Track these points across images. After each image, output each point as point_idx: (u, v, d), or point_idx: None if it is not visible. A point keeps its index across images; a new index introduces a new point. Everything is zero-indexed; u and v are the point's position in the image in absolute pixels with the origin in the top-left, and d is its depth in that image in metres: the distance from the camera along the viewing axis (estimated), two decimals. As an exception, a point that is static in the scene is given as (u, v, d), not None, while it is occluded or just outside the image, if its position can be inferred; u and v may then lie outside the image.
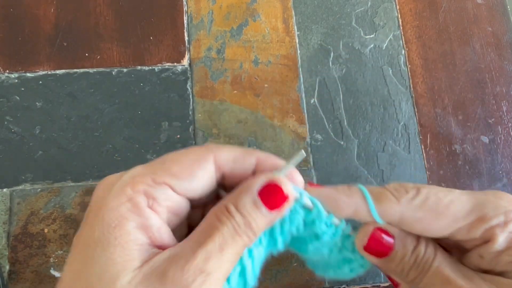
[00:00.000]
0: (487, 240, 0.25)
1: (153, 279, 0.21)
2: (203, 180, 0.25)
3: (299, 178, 0.27)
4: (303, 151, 0.26)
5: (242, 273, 0.25)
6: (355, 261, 0.28)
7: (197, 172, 0.24)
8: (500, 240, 0.24)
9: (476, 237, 0.25)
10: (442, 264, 0.26)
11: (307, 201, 0.26)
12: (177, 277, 0.21)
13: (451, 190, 0.26)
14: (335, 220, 0.27)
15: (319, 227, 0.26)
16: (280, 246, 0.27)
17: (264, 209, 0.24)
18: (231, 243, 0.23)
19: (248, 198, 0.24)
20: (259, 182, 0.24)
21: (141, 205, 0.22)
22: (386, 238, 0.26)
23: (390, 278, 0.30)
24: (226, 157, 0.25)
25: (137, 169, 0.24)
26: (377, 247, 0.26)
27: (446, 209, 0.25)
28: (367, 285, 0.39)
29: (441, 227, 0.25)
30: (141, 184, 0.23)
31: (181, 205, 0.25)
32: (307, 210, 0.26)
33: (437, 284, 0.26)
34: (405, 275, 0.26)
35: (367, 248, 0.26)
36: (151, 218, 0.23)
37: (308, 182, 0.27)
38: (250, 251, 0.25)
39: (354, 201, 0.26)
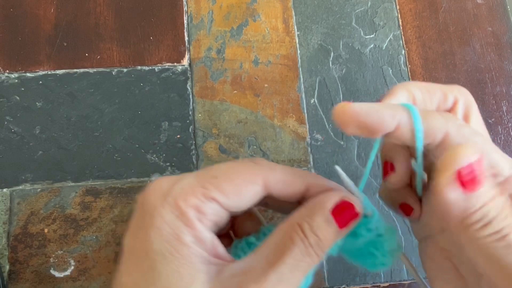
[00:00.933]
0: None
1: None
2: (250, 200, 0.25)
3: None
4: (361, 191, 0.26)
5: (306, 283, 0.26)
6: (378, 258, 0.28)
7: (246, 192, 0.24)
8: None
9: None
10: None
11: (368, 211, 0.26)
12: None
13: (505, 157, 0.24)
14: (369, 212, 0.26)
15: (363, 231, 0.26)
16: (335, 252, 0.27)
17: (335, 227, 0.24)
18: (301, 264, 0.23)
19: (321, 217, 0.23)
20: (332, 200, 0.24)
21: (193, 219, 0.23)
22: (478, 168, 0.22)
23: (403, 206, 0.28)
24: (277, 180, 0.25)
25: (189, 180, 0.24)
26: (469, 175, 0.22)
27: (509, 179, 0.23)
28: (367, 285, 0.39)
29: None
30: (193, 199, 0.23)
31: (224, 218, 0.25)
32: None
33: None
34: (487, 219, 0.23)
35: (459, 178, 0.22)
36: (203, 232, 0.23)
37: (343, 103, 0.24)
38: None
39: (399, 114, 0.23)
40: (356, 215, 0.24)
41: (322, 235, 0.23)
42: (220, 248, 0.24)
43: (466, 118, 0.28)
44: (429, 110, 0.25)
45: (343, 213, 0.24)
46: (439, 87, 0.28)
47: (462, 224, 0.22)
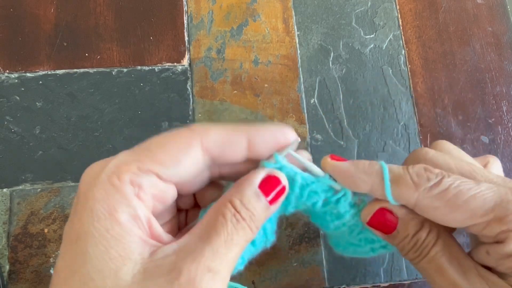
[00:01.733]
0: (500, 240, 0.24)
1: (158, 275, 0.21)
2: (190, 166, 0.24)
3: (306, 155, 0.27)
4: (299, 139, 0.27)
5: (264, 233, 0.27)
6: (377, 242, 0.29)
7: (184, 159, 0.24)
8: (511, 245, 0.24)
9: (490, 235, 0.25)
10: (440, 252, 0.26)
11: (334, 184, 0.27)
12: (184, 275, 0.21)
13: (480, 183, 0.25)
14: (358, 200, 0.28)
15: (343, 206, 0.27)
16: (291, 209, 0.28)
17: (264, 200, 0.24)
18: (236, 238, 0.23)
19: (250, 192, 0.24)
20: (260, 175, 0.25)
21: (129, 195, 0.22)
22: (389, 217, 0.27)
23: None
24: (214, 140, 0.24)
25: (122, 156, 0.23)
26: (379, 225, 0.27)
27: (464, 204, 0.24)
28: (367, 285, 0.39)
29: (456, 220, 0.25)
30: (127, 173, 0.22)
31: (167, 192, 0.24)
32: (332, 189, 0.27)
33: (432, 271, 0.26)
34: (405, 254, 0.27)
35: (370, 224, 0.27)
36: (139, 209, 0.22)
37: (330, 155, 0.28)
38: None
39: (371, 179, 0.26)
40: (283, 188, 0.25)
41: (253, 209, 0.24)
42: (157, 228, 0.23)
43: None
44: (402, 175, 0.26)
45: (270, 186, 0.25)
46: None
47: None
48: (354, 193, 0.28)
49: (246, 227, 0.23)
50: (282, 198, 0.25)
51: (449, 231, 0.27)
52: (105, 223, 0.21)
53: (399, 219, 0.27)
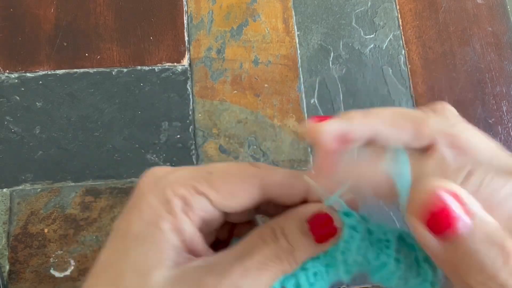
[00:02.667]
0: None
1: (186, 283, 0.21)
2: (243, 201, 0.24)
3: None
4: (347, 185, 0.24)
5: (297, 285, 0.24)
6: (428, 274, 0.24)
7: (239, 193, 0.24)
8: None
9: None
10: None
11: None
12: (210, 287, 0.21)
13: (508, 175, 0.21)
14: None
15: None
16: (344, 276, 0.25)
17: (310, 238, 0.23)
18: (270, 264, 0.22)
19: (295, 224, 0.23)
20: (310, 209, 0.23)
21: (176, 208, 0.22)
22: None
23: None
24: (275, 184, 0.24)
25: (184, 172, 0.24)
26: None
27: (499, 205, 0.20)
28: (367, 285, 0.39)
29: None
30: (182, 189, 0.23)
31: (215, 217, 0.24)
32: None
33: None
34: None
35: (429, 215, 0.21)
36: (184, 223, 0.23)
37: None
38: (304, 263, 0.24)
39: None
40: (334, 229, 0.23)
41: (295, 243, 0.22)
42: (200, 244, 0.23)
43: (459, 150, 0.23)
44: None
45: (320, 225, 0.23)
46: (411, 119, 0.24)
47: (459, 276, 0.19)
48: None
49: (283, 258, 0.22)
50: (333, 241, 0.23)
51: None
52: (151, 228, 0.22)
53: None
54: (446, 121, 0.24)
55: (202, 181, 0.23)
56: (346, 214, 0.23)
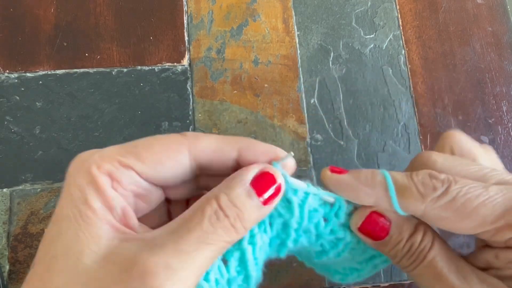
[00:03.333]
0: (510, 246, 0.24)
1: (113, 263, 0.20)
2: (174, 170, 0.23)
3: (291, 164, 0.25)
4: (292, 153, 0.25)
5: (242, 259, 0.23)
6: (378, 256, 0.27)
7: (166, 161, 0.23)
8: None
9: (500, 241, 0.24)
10: (437, 257, 0.25)
11: (327, 197, 0.25)
12: (138, 267, 0.20)
13: (488, 188, 0.23)
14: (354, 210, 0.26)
15: (342, 219, 0.25)
16: (291, 244, 0.25)
17: (256, 199, 0.22)
18: (212, 237, 0.21)
19: (241, 188, 0.22)
20: (252, 171, 0.23)
21: (104, 185, 0.22)
22: (382, 221, 0.25)
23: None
24: (203, 148, 0.24)
25: (109, 149, 0.23)
26: (371, 230, 0.25)
27: (473, 212, 0.23)
28: (367, 285, 0.39)
29: (466, 229, 0.24)
30: (107, 165, 0.22)
31: (149, 192, 0.24)
32: (327, 204, 0.25)
33: (430, 277, 0.25)
34: (398, 261, 0.26)
35: (361, 229, 0.25)
36: (113, 199, 0.22)
37: (330, 167, 0.26)
38: (252, 236, 0.23)
39: (375, 192, 0.24)
40: (278, 187, 0.23)
41: (242, 206, 0.22)
42: (132, 218, 0.23)
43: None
44: (407, 186, 0.24)
45: (264, 184, 0.23)
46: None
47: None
48: (348, 202, 0.26)
49: (228, 226, 0.21)
50: (277, 199, 0.23)
51: None
52: (80, 207, 0.21)
53: (392, 223, 0.25)
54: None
55: (127, 154, 0.23)
56: (293, 189, 0.24)
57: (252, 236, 0.24)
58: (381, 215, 0.25)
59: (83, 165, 0.23)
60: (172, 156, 0.23)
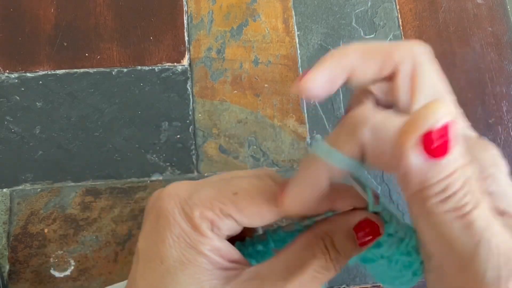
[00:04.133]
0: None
1: None
2: (268, 220, 0.24)
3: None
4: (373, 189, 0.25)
5: None
6: (415, 263, 0.27)
7: (264, 214, 0.24)
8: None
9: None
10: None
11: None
12: None
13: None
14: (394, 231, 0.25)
15: (383, 237, 0.25)
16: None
17: (355, 244, 0.24)
18: (320, 276, 0.23)
19: (343, 233, 0.23)
20: (357, 217, 0.24)
21: (206, 231, 0.23)
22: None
23: None
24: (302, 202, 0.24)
25: (208, 192, 0.24)
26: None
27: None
28: (367, 285, 0.39)
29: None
30: (210, 213, 0.23)
31: (238, 231, 0.25)
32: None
33: None
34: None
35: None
36: (217, 241, 0.23)
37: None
38: None
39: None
40: (378, 234, 0.24)
41: (342, 251, 0.23)
42: (235, 253, 0.24)
43: (413, 82, 0.24)
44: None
45: (366, 231, 0.24)
46: (380, 49, 0.24)
47: (420, 195, 0.18)
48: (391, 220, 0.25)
49: (331, 267, 0.23)
50: (372, 243, 0.24)
51: None
52: (191, 251, 0.22)
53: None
54: (411, 50, 0.24)
55: (227, 202, 0.23)
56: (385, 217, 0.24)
57: None
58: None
59: (184, 207, 0.23)
60: (270, 209, 0.24)
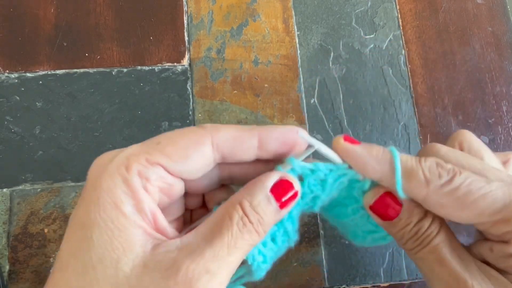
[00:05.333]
0: (505, 240, 0.24)
1: (156, 270, 0.21)
2: (199, 162, 0.24)
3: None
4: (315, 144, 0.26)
5: (286, 232, 0.26)
6: (377, 232, 0.28)
7: (193, 154, 0.24)
8: None
9: (496, 234, 0.25)
10: (442, 243, 0.25)
11: (357, 176, 0.27)
12: (181, 274, 0.21)
13: (491, 183, 0.24)
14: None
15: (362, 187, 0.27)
16: (318, 207, 0.27)
17: (275, 204, 0.24)
18: (240, 242, 0.23)
19: (262, 195, 0.24)
20: (272, 178, 0.24)
21: (136, 186, 0.22)
22: (393, 203, 0.26)
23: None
24: (225, 139, 0.24)
25: (132, 148, 0.23)
26: (382, 210, 0.26)
27: (473, 203, 0.24)
28: (367, 285, 0.39)
29: (463, 218, 0.25)
30: (136, 164, 0.22)
31: (174, 186, 0.24)
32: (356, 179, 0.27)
33: (432, 261, 0.26)
34: (404, 243, 0.27)
35: (372, 208, 0.27)
36: (144, 201, 0.22)
37: (344, 135, 0.27)
38: (290, 213, 0.26)
39: (382, 169, 0.25)
40: (295, 194, 0.25)
41: (263, 213, 0.23)
42: (162, 221, 0.23)
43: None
44: (414, 169, 0.25)
45: (282, 190, 0.24)
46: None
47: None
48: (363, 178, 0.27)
49: (252, 230, 0.23)
50: (293, 203, 0.25)
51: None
52: (111, 213, 0.21)
53: (403, 206, 0.26)
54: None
55: (152, 151, 0.23)
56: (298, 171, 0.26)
57: (290, 213, 0.26)
58: (393, 197, 0.26)
59: (110, 167, 0.22)
60: (197, 148, 0.24)
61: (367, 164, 0.26)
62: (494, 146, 0.44)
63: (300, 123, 0.43)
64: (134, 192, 0.22)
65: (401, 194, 0.26)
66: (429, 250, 0.26)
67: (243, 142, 0.25)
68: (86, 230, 0.22)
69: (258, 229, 0.23)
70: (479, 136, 0.43)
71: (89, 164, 0.40)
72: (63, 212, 0.39)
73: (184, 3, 0.45)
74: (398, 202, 0.26)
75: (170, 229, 0.23)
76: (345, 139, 0.26)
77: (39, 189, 0.39)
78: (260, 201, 0.23)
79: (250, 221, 0.23)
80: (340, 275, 0.39)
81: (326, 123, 0.43)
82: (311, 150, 0.26)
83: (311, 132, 0.43)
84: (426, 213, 0.26)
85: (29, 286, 0.37)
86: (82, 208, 0.22)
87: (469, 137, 0.29)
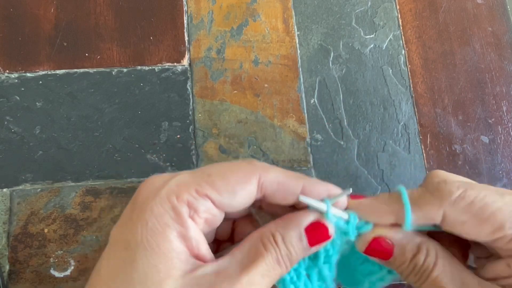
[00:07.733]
0: None
1: None
2: (244, 198, 0.25)
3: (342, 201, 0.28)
4: (350, 189, 0.27)
5: (320, 276, 0.27)
6: (374, 274, 0.29)
7: (240, 192, 0.25)
8: None
9: None
10: (441, 274, 0.26)
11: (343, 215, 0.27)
12: None
13: (503, 194, 0.25)
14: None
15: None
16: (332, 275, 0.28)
17: (306, 244, 0.25)
18: (271, 272, 0.24)
19: (295, 232, 0.25)
20: (308, 219, 0.25)
21: (184, 215, 0.23)
22: (385, 245, 0.27)
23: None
24: (271, 180, 0.25)
25: (184, 177, 0.24)
26: (375, 253, 0.27)
27: (491, 216, 0.24)
28: (367, 285, 0.39)
29: (484, 233, 0.25)
30: (186, 194, 0.23)
31: (217, 217, 0.25)
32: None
33: None
34: (405, 278, 0.27)
35: (366, 252, 0.27)
36: (191, 229, 0.23)
37: (350, 195, 0.28)
38: (328, 257, 0.27)
39: (394, 208, 0.26)
40: (327, 237, 0.26)
41: (293, 249, 0.25)
42: (203, 247, 0.24)
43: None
44: (421, 194, 0.26)
45: (316, 232, 0.25)
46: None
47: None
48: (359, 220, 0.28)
49: (282, 264, 0.24)
50: (323, 245, 0.26)
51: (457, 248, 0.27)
52: (157, 238, 0.22)
53: (395, 245, 0.27)
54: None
55: (203, 183, 0.24)
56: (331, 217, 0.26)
57: (327, 256, 0.27)
58: (383, 239, 0.27)
59: (161, 193, 0.23)
60: (244, 186, 0.25)
61: (379, 210, 0.27)
62: (494, 146, 0.44)
63: (300, 123, 0.43)
64: (182, 220, 0.23)
65: (408, 225, 0.26)
66: (430, 283, 0.26)
67: (288, 188, 0.26)
68: (131, 251, 0.22)
69: (287, 263, 0.24)
70: (479, 136, 0.44)
71: (89, 164, 0.40)
72: (63, 212, 0.39)
73: (184, 3, 0.45)
74: (389, 243, 0.27)
75: (209, 255, 0.25)
76: (352, 197, 0.28)
77: (39, 189, 0.39)
78: (292, 238, 0.25)
79: (281, 255, 0.24)
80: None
81: (326, 123, 0.43)
82: (346, 193, 0.27)
83: (311, 132, 0.43)
84: (419, 246, 0.26)
85: (29, 286, 0.37)
86: (128, 229, 0.23)
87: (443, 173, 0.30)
